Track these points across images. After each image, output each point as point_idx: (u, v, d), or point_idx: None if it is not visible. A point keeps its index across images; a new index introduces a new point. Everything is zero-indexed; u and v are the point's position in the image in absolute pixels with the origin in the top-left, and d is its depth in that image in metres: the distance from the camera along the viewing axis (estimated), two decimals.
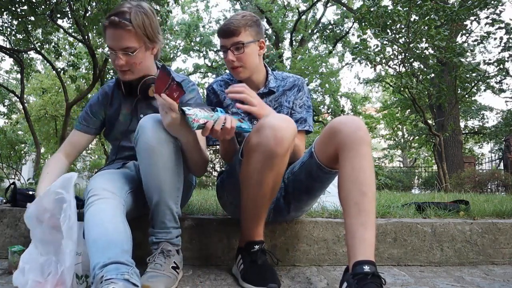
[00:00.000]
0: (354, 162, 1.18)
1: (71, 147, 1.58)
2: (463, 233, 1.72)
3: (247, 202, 1.34)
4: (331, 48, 16.41)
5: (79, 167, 13.50)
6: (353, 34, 15.21)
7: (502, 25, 6.52)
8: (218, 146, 1.63)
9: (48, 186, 1.22)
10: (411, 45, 6.39)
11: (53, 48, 7.58)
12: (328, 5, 15.74)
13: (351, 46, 10.68)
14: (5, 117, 12.41)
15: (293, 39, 16.10)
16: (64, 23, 7.19)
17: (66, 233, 1.11)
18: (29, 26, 6.36)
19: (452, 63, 6.39)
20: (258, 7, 14.85)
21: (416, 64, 7.49)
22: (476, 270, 1.62)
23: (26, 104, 8.70)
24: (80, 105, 9.17)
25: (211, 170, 9.64)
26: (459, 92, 7.30)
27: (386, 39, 6.41)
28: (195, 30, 16.76)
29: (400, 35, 6.58)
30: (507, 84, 14.11)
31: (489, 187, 7.73)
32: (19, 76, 8.86)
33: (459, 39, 7.60)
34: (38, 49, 7.39)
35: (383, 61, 6.84)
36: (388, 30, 6.57)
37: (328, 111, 15.69)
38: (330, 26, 16.37)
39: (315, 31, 16.58)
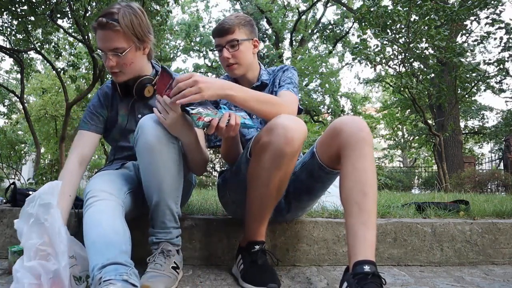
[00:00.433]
0: (356, 163, 1.18)
1: (84, 149, 1.47)
2: (463, 233, 1.72)
3: (253, 202, 1.34)
4: (331, 48, 16.42)
5: None
6: (353, 34, 15.23)
7: (502, 25, 6.52)
8: (219, 146, 1.63)
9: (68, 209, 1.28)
10: (411, 45, 6.39)
11: (53, 48, 7.58)
12: (328, 5, 15.75)
13: (351, 46, 10.68)
14: (5, 117, 12.41)
15: (293, 39, 16.10)
16: (64, 23, 7.20)
17: (55, 236, 1.11)
18: (29, 26, 6.36)
19: (452, 63, 6.39)
20: (258, 7, 14.85)
21: (416, 64, 7.49)
22: (476, 270, 1.62)
23: (26, 104, 8.71)
24: (80, 105, 9.18)
25: (211, 170, 9.64)
26: (459, 92, 7.30)
27: (386, 39, 6.41)
28: (195, 30, 16.77)
29: (400, 35, 6.58)
30: (507, 84, 14.13)
31: (489, 187, 7.73)
32: (19, 76, 8.87)
33: (459, 39, 7.61)
34: (38, 49, 7.39)
35: (383, 61, 6.84)
36: (388, 30, 6.57)
37: (328, 111, 15.70)
38: (330, 26, 16.37)
39: (315, 31, 16.58)
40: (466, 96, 7.63)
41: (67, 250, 1.12)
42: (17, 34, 6.94)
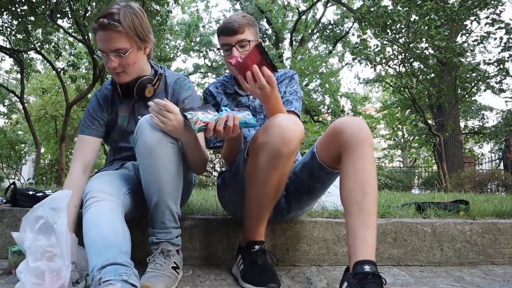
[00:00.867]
0: (356, 163, 1.18)
1: (87, 155, 1.47)
2: (463, 233, 1.72)
3: (251, 201, 1.34)
4: (331, 48, 16.42)
5: None
6: (353, 34, 15.23)
7: (502, 25, 6.52)
8: (219, 147, 1.63)
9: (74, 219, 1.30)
10: (411, 45, 6.39)
11: (53, 48, 7.58)
12: (328, 5, 15.75)
13: (351, 46, 10.68)
14: (5, 117, 12.41)
15: (293, 39, 16.11)
16: (64, 23, 7.19)
17: (61, 238, 1.12)
18: (29, 26, 6.36)
19: (452, 63, 6.39)
20: (258, 7, 14.85)
21: (416, 64, 7.49)
22: (476, 270, 1.62)
23: (26, 104, 8.70)
24: (80, 105, 9.18)
25: (211, 170, 9.63)
26: (459, 92, 7.30)
27: (386, 39, 6.41)
28: (195, 30, 16.77)
29: (400, 35, 6.58)
30: (507, 84, 14.11)
31: (489, 187, 7.72)
32: (19, 76, 8.87)
33: (459, 39, 7.60)
34: (38, 49, 7.39)
35: (383, 61, 6.84)
36: (388, 30, 6.57)
37: (328, 111, 15.70)
38: (330, 26, 16.37)
39: (315, 31, 16.58)
40: (466, 96, 7.62)
41: (70, 251, 1.14)
42: (17, 34, 6.94)
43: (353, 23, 14.15)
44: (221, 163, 9.28)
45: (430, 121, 8.71)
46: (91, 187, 1.25)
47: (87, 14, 6.21)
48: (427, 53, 6.58)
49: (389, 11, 6.29)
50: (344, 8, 14.45)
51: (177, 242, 1.36)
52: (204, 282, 1.37)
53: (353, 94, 16.49)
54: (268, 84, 1.21)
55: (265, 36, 16.39)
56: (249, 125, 1.28)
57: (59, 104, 12.21)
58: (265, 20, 15.62)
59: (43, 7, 5.76)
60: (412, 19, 6.25)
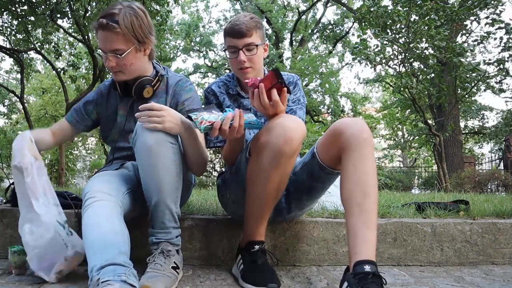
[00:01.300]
0: (357, 164, 1.18)
1: (59, 132, 1.61)
2: (463, 233, 1.72)
3: (252, 201, 1.34)
4: (331, 48, 16.41)
5: (79, 167, 13.51)
6: (353, 34, 15.22)
7: (502, 25, 6.52)
8: (219, 147, 1.63)
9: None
10: (411, 45, 6.39)
11: (53, 48, 7.59)
12: (328, 5, 15.75)
13: (351, 46, 10.68)
14: (5, 117, 12.42)
15: (293, 39, 16.11)
16: (64, 23, 7.20)
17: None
18: (29, 26, 6.36)
19: (452, 63, 6.39)
20: (258, 7, 14.85)
21: (416, 64, 7.49)
22: (476, 270, 1.62)
23: (26, 104, 8.70)
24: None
25: (211, 170, 9.63)
26: (459, 92, 7.30)
27: (386, 39, 6.41)
28: (195, 30, 16.76)
29: (400, 35, 6.58)
30: (507, 84, 14.09)
31: (489, 187, 7.72)
32: (19, 76, 8.87)
33: (459, 39, 7.60)
34: (38, 49, 7.40)
35: (383, 61, 6.84)
36: (388, 30, 6.57)
37: (328, 111, 15.70)
38: (330, 26, 16.37)
39: (315, 31, 16.58)
40: (466, 96, 7.63)
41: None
42: (17, 34, 6.94)
43: (353, 23, 14.15)
44: (221, 163, 9.28)
45: (430, 121, 8.71)
46: (90, 187, 1.25)
47: (87, 14, 6.21)
48: (427, 53, 6.58)
49: (389, 11, 6.30)
50: (344, 8, 14.45)
51: (177, 242, 1.36)
52: (204, 282, 1.37)
53: (353, 94, 16.48)
54: (273, 107, 1.21)
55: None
56: (253, 126, 1.28)
57: (59, 104, 12.22)
58: (265, 20, 15.60)
59: (43, 7, 5.76)
60: (412, 19, 6.25)
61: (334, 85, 14.54)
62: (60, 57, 8.06)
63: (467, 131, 12.59)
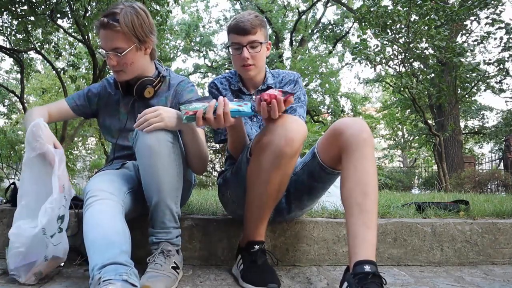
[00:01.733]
0: (357, 164, 1.18)
1: (57, 114, 1.58)
2: (463, 233, 1.72)
3: (253, 201, 1.34)
4: (331, 48, 16.41)
5: (79, 167, 13.50)
6: (353, 34, 15.22)
7: (502, 25, 6.52)
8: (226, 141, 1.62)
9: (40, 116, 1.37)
10: (411, 45, 6.39)
11: (53, 48, 7.58)
12: (328, 5, 15.74)
13: (351, 46, 10.68)
14: (5, 117, 12.41)
15: (293, 39, 16.11)
16: (64, 23, 7.20)
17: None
18: (29, 26, 6.36)
19: (452, 63, 6.39)
20: (258, 7, 14.85)
21: (416, 64, 7.49)
22: (476, 270, 1.62)
23: (26, 104, 8.70)
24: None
25: (211, 170, 9.63)
26: (459, 92, 7.30)
27: (386, 39, 6.41)
28: (195, 30, 16.77)
29: (400, 35, 6.58)
30: (507, 84, 14.11)
31: (489, 187, 7.72)
32: (19, 76, 8.86)
33: (459, 39, 7.60)
34: (38, 49, 7.39)
35: (383, 61, 6.84)
36: (388, 30, 6.57)
37: (328, 111, 15.71)
38: (330, 26, 16.37)
39: (315, 31, 16.58)
40: (466, 96, 7.63)
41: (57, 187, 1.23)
42: (17, 34, 6.94)
43: (353, 23, 14.15)
44: (221, 163, 9.28)
45: (430, 121, 8.70)
46: (92, 186, 1.25)
47: (87, 14, 6.21)
48: (427, 53, 6.58)
49: (389, 11, 6.30)
50: (344, 8, 14.45)
51: (177, 242, 1.36)
52: (204, 282, 1.37)
53: (353, 94, 16.49)
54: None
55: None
56: (242, 114, 1.23)
57: None
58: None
59: (43, 7, 5.76)
60: (412, 19, 6.25)
61: (334, 85, 14.54)
62: (60, 57, 8.05)
63: (467, 131, 12.59)
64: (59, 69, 7.83)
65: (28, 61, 8.55)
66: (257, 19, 1.50)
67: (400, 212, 1.90)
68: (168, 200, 1.29)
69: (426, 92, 7.31)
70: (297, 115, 1.57)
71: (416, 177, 13.67)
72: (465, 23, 6.98)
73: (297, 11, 15.87)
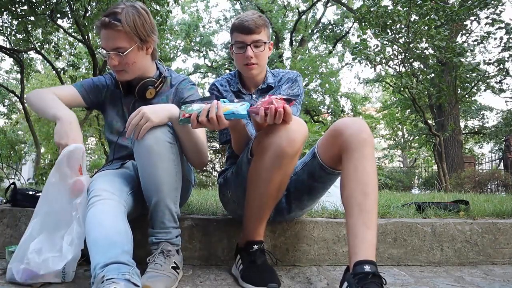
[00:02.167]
0: (357, 164, 1.18)
1: (63, 96, 1.47)
2: (463, 233, 1.72)
3: (253, 201, 1.34)
4: (331, 48, 16.42)
5: None
6: (353, 34, 15.22)
7: (502, 25, 6.52)
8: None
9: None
10: (411, 45, 6.39)
11: (53, 48, 7.58)
12: (328, 5, 15.75)
13: (351, 46, 10.68)
14: (5, 117, 12.41)
15: (293, 39, 16.11)
16: (64, 23, 7.19)
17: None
18: (29, 26, 6.36)
19: (452, 63, 6.39)
20: (258, 7, 14.84)
21: (416, 64, 7.48)
22: (476, 270, 1.62)
23: (26, 104, 8.70)
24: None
25: (211, 170, 9.63)
26: (459, 92, 7.29)
27: (386, 39, 6.41)
28: (195, 30, 16.77)
29: (400, 35, 6.57)
30: (507, 84, 14.09)
31: (489, 187, 7.72)
32: (19, 76, 8.86)
33: (459, 39, 7.59)
34: (38, 49, 7.39)
35: (383, 61, 6.83)
36: (388, 30, 6.57)
37: (328, 111, 15.71)
38: (330, 26, 16.37)
39: (315, 31, 16.58)
40: (466, 96, 7.62)
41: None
42: (17, 34, 6.93)
43: (353, 23, 14.15)
44: (221, 163, 9.28)
45: (430, 121, 8.70)
46: (94, 186, 1.25)
47: (87, 14, 6.21)
48: (427, 53, 6.58)
49: (389, 11, 6.29)
50: (344, 8, 14.44)
51: (177, 242, 1.36)
52: (204, 282, 1.37)
53: (353, 94, 16.49)
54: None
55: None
56: (237, 116, 1.21)
57: None
58: None
59: (43, 7, 5.75)
60: (412, 19, 6.24)
61: (334, 85, 14.54)
62: (60, 57, 8.05)
63: (467, 131, 12.59)
64: (59, 69, 7.83)
65: (28, 61, 8.55)
66: (261, 18, 1.52)
67: (400, 212, 1.90)
68: (167, 200, 1.29)
69: (426, 92, 7.30)
70: (296, 110, 1.57)
71: (416, 177, 13.66)
72: (465, 23, 6.97)
73: (297, 11, 15.87)
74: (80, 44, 8.36)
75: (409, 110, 13.55)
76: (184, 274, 1.44)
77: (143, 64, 1.50)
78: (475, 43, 6.89)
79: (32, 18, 5.83)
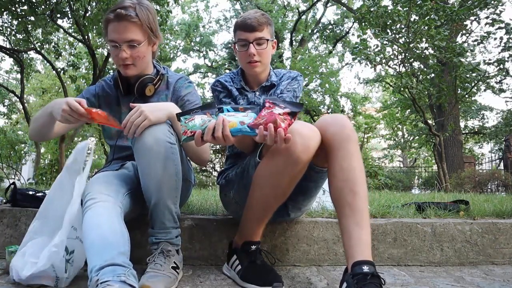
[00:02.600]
0: (343, 162, 1.18)
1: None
2: (463, 233, 1.72)
3: (257, 204, 1.33)
4: (331, 48, 16.41)
5: None
6: (353, 34, 15.22)
7: (502, 25, 6.52)
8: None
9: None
10: (411, 45, 6.39)
11: (53, 48, 7.59)
12: (328, 5, 15.74)
13: (351, 46, 10.68)
14: (5, 117, 12.41)
15: (293, 39, 16.10)
16: (64, 23, 7.20)
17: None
18: (29, 26, 6.36)
19: (452, 63, 6.39)
20: (258, 7, 14.83)
21: (416, 64, 7.49)
22: (476, 270, 1.62)
23: (26, 104, 8.71)
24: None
25: (211, 170, 9.63)
26: (459, 92, 7.30)
27: (386, 39, 6.41)
28: (195, 30, 16.76)
29: (400, 35, 6.58)
30: (507, 84, 14.09)
31: (489, 187, 7.72)
32: (19, 76, 8.87)
33: (459, 39, 7.60)
34: (38, 49, 7.39)
35: (383, 61, 6.84)
36: (388, 30, 6.57)
37: (328, 111, 15.69)
38: (330, 26, 16.36)
39: (315, 31, 16.58)
40: (466, 96, 7.62)
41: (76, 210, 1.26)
42: (17, 34, 6.94)
43: (353, 23, 14.15)
44: (221, 163, 9.28)
45: (430, 121, 8.70)
46: (90, 189, 1.25)
47: (87, 14, 6.21)
48: (427, 53, 6.58)
49: (389, 11, 6.30)
50: (344, 8, 14.44)
51: (176, 242, 1.36)
52: (204, 282, 1.37)
53: (353, 94, 16.47)
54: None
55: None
56: (245, 133, 1.14)
57: None
58: None
59: (43, 7, 5.76)
60: (412, 19, 6.25)
61: (334, 85, 14.53)
62: (60, 57, 8.06)
63: (467, 131, 12.59)
64: (59, 69, 7.83)
65: (28, 61, 8.56)
66: (264, 17, 1.53)
67: (400, 212, 1.90)
68: (167, 200, 1.29)
69: (426, 92, 7.31)
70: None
71: (416, 177, 13.67)
72: (465, 23, 6.97)
73: (297, 11, 15.86)
74: (80, 44, 8.36)
75: (409, 110, 13.55)
76: (184, 274, 1.44)
77: (147, 60, 1.52)
78: (475, 43, 6.89)
79: (32, 18, 5.83)
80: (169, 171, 1.27)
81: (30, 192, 1.78)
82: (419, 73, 7.32)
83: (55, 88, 12.76)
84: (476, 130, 12.31)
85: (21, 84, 7.70)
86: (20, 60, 7.41)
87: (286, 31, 16.24)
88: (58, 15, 6.02)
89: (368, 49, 6.67)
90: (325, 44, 17.06)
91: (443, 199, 2.45)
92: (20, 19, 5.99)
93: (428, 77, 7.51)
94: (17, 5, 5.65)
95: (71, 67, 8.04)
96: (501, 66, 6.70)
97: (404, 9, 6.22)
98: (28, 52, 7.88)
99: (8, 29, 6.88)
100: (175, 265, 1.31)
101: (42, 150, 12.11)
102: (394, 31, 6.62)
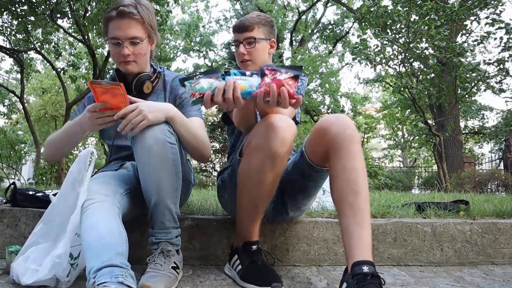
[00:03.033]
0: (345, 162, 1.18)
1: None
2: (463, 233, 1.72)
3: (246, 202, 1.34)
4: (331, 48, 16.41)
5: None
6: (353, 34, 15.22)
7: (502, 25, 6.52)
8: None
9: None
10: (411, 45, 6.39)
11: (53, 48, 7.59)
12: (328, 5, 15.75)
13: (351, 46, 10.68)
14: (5, 117, 12.41)
15: (293, 39, 16.10)
16: (64, 23, 7.20)
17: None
18: (29, 26, 6.36)
19: (452, 63, 6.39)
20: (258, 7, 14.84)
21: (416, 64, 7.50)
22: (476, 270, 1.62)
23: (26, 104, 8.71)
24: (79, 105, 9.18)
25: (211, 170, 9.63)
26: (459, 92, 7.30)
27: (386, 39, 6.41)
28: (195, 30, 16.77)
29: (400, 35, 6.58)
30: (507, 84, 14.08)
31: (489, 187, 7.72)
32: (19, 76, 8.88)
33: (459, 39, 7.60)
34: (38, 49, 7.40)
35: (383, 61, 6.84)
36: (388, 30, 6.57)
37: (328, 111, 15.69)
38: (330, 26, 16.37)
39: (315, 31, 16.58)
40: (466, 96, 7.63)
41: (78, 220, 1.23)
42: (17, 34, 6.94)
43: (353, 23, 14.15)
44: (221, 163, 9.28)
45: (430, 121, 8.71)
46: (88, 189, 1.25)
47: (87, 14, 6.22)
48: (427, 53, 6.58)
49: (389, 11, 6.30)
50: (344, 8, 14.44)
51: (176, 242, 1.36)
52: (204, 282, 1.37)
53: (353, 94, 16.49)
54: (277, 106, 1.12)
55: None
56: (250, 96, 1.11)
57: (59, 104, 12.21)
58: None
59: (43, 7, 5.76)
60: (412, 19, 6.25)
61: (334, 85, 14.54)
62: (60, 57, 8.07)
63: (467, 131, 12.60)
64: (59, 69, 7.83)
65: (28, 61, 8.56)
66: (257, 17, 1.55)
67: (400, 212, 1.90)
68: (167, 200, 1.29)
69: (426, 92, 7.31)
70: (296, 112, 1.56)
71: (416, 177, 13.67)
72: (465, 23, 6.98)
73: (297, 11, 15.87)
74: (80, 44, 8.36)
75: (409, 110, 13.56)
76: (184, 274, 1.44)
77: (147, 58, 1.54)
78: (475, 43, 6.90)
79: (32, 18, 5.84)
80: (169, 171, 1.26)
81: (30, 192, 1.77)
82: (419, 73, 7.32)
83: (55, 88, 12.75)
84: (476, 130, 12.31)
85: (21, 84, 7.71)
86: (20, 60, 7.42)
87: (286, 31, 16.25)
88: (58, 15, 6.03)
89: (368, 49, 6.68)
90: (325, 44, 17.06)
91: (443, 199, 2.45)
92: (20, 19, 5.99)
93: (428, 77, 7.51)
94: (17, 5, 5.65)
95: (71, 67, 8.05)
96: (501, 66, 6.70)
97: (404, 9, 6.22)
98: (28, 52, 7.89)
99: (8, 29, 6.89)
100: (175, 265, 1.31)
101: (42, 150, 12.12)
102: (394, 31, 6.62)
